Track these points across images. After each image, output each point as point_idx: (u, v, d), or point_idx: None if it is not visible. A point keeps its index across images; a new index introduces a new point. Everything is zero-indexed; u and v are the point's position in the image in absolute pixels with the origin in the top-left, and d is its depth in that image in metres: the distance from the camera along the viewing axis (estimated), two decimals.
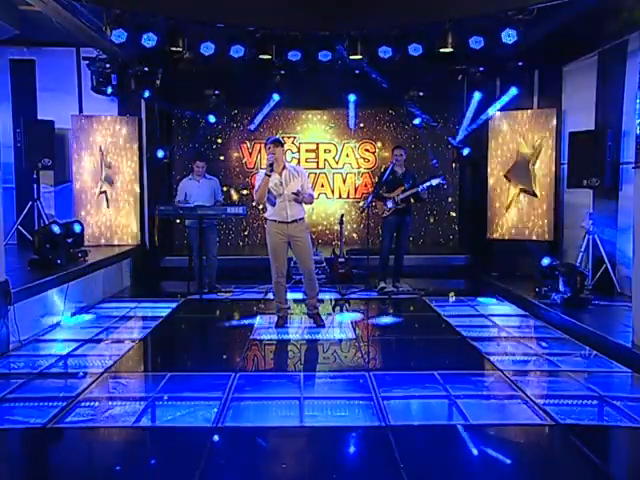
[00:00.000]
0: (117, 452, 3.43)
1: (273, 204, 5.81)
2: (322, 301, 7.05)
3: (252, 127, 9.89)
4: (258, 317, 6.46)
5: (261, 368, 4.95)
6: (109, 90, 8.11)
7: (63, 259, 6.58)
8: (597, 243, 6.88)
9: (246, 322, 6.28)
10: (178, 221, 9.53)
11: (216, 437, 3.47)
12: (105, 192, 8.77)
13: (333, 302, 7.33)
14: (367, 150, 10.67)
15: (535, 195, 8.22)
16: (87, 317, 6.39)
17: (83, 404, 3.90)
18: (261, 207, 9.25)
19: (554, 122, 8.15)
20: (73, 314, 6.34)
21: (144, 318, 6.49)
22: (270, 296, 7.57)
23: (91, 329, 5.87)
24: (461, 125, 8.92)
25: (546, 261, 6.67)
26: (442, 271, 9.04)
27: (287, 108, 10.10)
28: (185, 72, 8.18)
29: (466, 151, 9.00)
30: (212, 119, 9.38)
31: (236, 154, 10.60)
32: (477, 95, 8.21)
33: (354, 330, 5.94)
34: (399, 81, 8.49)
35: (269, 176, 5.71)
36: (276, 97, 8.85)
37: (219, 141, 10.53)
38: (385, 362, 5.18)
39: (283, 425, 3.61)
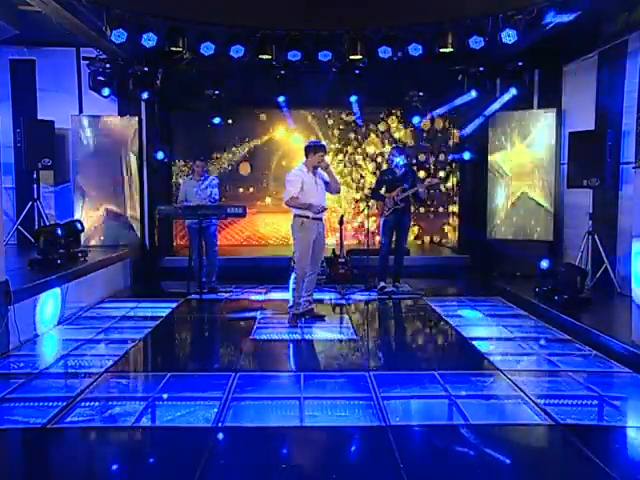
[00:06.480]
0: (117, 452, 3.43)
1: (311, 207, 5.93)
2: (321, 301, 7.09)
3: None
4: (258, 317, 6.46)
5: (261, 368, 4.94)
6: (106, 92, 8.13)
7: (63, 259, 6.58)
8: (597, 243, 6.88)
9: (246, 322, 6.28)
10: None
11: (216, 437, 3.47)
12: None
13: (333, 302, 7.32)
14: (367, 150, 10.67)
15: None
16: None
17: (83, 404, 3.90)
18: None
19: (554, 122, 8.16)
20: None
21: (144, 318, 6.47)
22: (271, 296, 7.60)
23: (91, 329, 5.87)
24: (462, 125, 8.98)
25: (545, 263, 6.65)
26: (442, 271, 9.03)
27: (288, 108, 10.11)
28: (185, 72, 8.18)
29: (467, 155, 9.03)
30: (217, 120, 9.42)
31: (236, 154, 10.60)
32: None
33: (354, 330, 5.94)
34: (399, 81, 8.51)
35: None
36: (281, 99, 8.91)
37: (219, 141, 10.53)
38: (385, 362, 5.17)
39: (283, 425, 3.61)
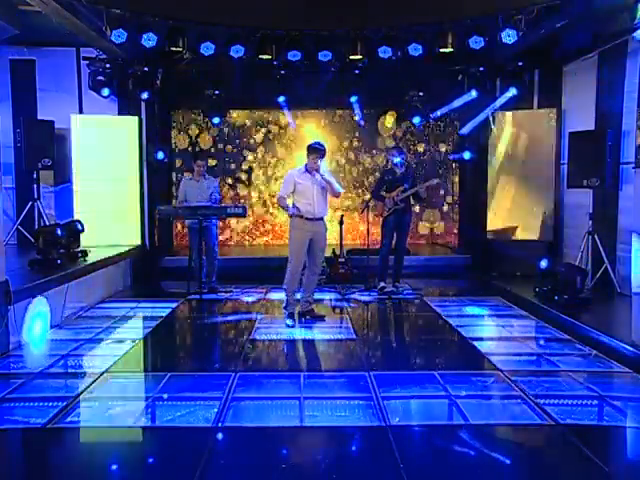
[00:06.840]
0: (117, 452, 3.43)
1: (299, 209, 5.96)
2: (321, 301, 7.09)
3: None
4: (258, 317, 6.46)
5: (261, 368, 4.94)
6: (106, 92, 8.14)
7: (63, 259, 6.58)
8: (597, 243, 6.88)
9: (246, 322, 6.29)
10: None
11: (216, 437, 3.47)
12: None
13: (333, 302, 7.32)
14: (367, 150, 10.67)
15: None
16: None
17: (83, 404, 3.90)
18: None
19: (554, 122, 8.16)
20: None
21: (144, 318, 6.48)
22: (271, 296, 7.60)
23: (91, 329, 5.86)
24: (461, 125, 8.99)
25: (544, 263, 6.65)
26: (442, 271, 9.03)
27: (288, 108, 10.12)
28: (185, 72, 8.18)
29: (467, 155, 9.04)
30: (216, 120, 9.42)
31: (236, 154, 10.61)
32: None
33: (354, 330, 5.94)
34: (399, 81, 8.51)
35: None
36: (281, 99, 8.91)
37: (219, 141, 10.54)
38: (385, 362, 5.18)
39: (283, 425, 3.61)
